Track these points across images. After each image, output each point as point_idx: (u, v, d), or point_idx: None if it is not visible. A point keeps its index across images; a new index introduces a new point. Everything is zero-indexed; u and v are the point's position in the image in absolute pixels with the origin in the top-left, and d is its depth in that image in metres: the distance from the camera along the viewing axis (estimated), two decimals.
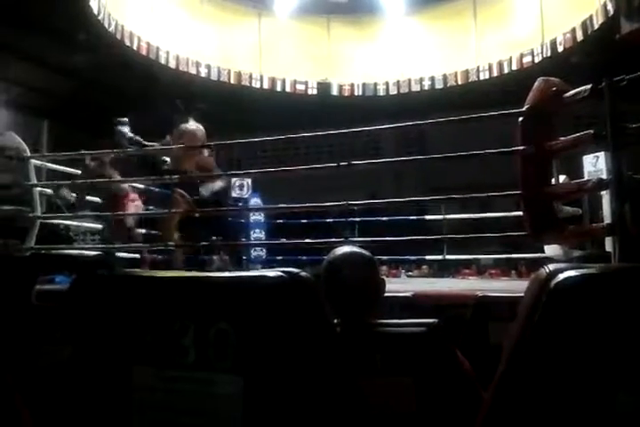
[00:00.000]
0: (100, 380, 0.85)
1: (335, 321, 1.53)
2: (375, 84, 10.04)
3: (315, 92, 10.12)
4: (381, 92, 10.04)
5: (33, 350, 1.77)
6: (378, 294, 1.66)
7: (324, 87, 10.09)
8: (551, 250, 5.55)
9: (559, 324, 0.65)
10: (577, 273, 0.66)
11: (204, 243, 5.03)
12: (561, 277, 0.66)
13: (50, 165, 5.22)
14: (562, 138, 3.32)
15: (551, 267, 0.69)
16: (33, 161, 4.75)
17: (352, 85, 10.11)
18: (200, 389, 0.77)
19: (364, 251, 1.65)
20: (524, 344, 0.67)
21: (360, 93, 10.12)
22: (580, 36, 8.08)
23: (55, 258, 5.25)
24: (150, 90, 11.01)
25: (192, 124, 5.07)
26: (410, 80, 9.83)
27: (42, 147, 12.13)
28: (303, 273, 0.79)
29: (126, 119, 5.35)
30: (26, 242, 4.55)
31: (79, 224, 5.95)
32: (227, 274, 0.85)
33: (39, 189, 4.77)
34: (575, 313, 0.64)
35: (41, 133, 12.48)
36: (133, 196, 5.38)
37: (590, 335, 0.64)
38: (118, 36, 8.72)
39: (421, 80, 9.75)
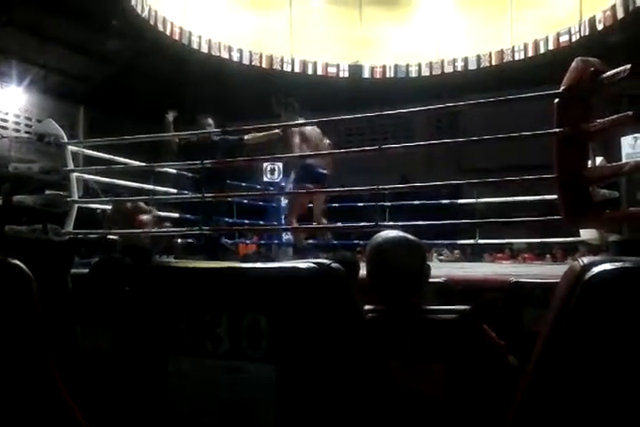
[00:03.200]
0: (136, 367, 0.88)
1: (368, 307, 1.53)
2: (407, 66, 9.88)
3: (346, 74, 10.02)
4: (413, 74, 9.88)
5: (69, 334, 1.82)
6: (425, 280, 1.66)
7: (355, 69, 9.99)
8: (587, 234, 5.46)
9: (592, 318, 0.64)
10: (612, 266, 0.65)
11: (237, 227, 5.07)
12: (595, 270, 0.65)
13: (86, 151, 5.31)
14: (599, 120, 3.24)
15: (586, 260, 0.68)
16: (70, 147, 4.84)
17: (384, 67, 9.97)
18: (233, 377, 0.79)
19: (409, 235, 1.63)
20: (556, 339, 0.67)
21: (392, 75, 9.98)
22: (620, 14, 7.80)
23: (92, 242, 5.37)
24: (183, 75, 11.09)
25: (309, 127, 5.11)
26: (443, 61, 9.66)
27: (78, 132, 12.36)
28: (334, 264, 0.80)
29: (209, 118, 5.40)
30: (64, 226, 4.65)
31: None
32: (259, 265, 0.86)
33: (76, 174, 4.85)
34: (609, 308, 0.63)
35: (77, 119, 12.69)
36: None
37: (623, 330, 0.63)
38: (151, 22, 8.76)
39: (454, 61, 9.57)
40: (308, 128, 5.09)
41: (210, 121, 5.38)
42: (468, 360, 1.38)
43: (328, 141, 5.30)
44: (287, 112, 5.09)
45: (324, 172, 5.09)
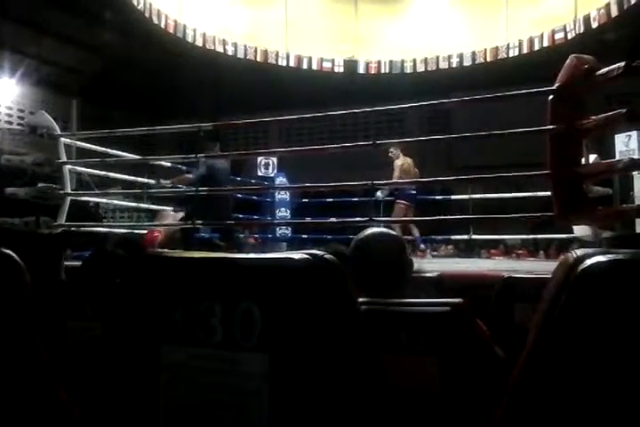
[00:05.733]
0: (128, 358, 0.87)
1: (362, 299, 1.54)
2: (402, 62, 9.87)
3: (341, 69, 9.99)
4: (408, 70, 9.87)
5: (61, 325, 1.81)
6: (405, 274, 1.71)
7: (350, 65, 9.97)
8: (580, 231, 5.48)
9: (585, 310, 0.64)
10: (605, 258, 0.65)
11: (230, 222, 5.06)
12: (588, 262, 0.65)
13: (79, 143, 5.27)
14: (593, 117, 3.25)
15: (579, 251, 0.68)
16: (63, 139, 4.80)
17: (379, 63, 9.96)
18: (227, 367, 0.79)
19: (392, 231, 1.74)
20: (549, 330, 0.67)
21: (387, 71, 9.97)
22: (614, 12, 7.81)
23: (85, 235, 5.35)
24: (177, 68, 11.04)
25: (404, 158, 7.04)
26: (437, 57, 9.65)
27: (71, 125, 12.28)
28: (328, 255, 0.80)
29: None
30: (57, 219, 4.63)
31: (109, 202, 6.03)
32: (253, 256, 0.86)
33: (69, 166, 4.82)
34: (602, 300, 0.63)
35: (70, 111, 12.61)
36: None
37: (616, 322, 0.63)
38: (146, 14, 8.71)
39: (449, 57, 9.56)
40: (408, 161, 7.06)
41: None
42: (461, 352, 1.39)
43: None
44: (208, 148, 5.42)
45: (414, 192, 6.96)
